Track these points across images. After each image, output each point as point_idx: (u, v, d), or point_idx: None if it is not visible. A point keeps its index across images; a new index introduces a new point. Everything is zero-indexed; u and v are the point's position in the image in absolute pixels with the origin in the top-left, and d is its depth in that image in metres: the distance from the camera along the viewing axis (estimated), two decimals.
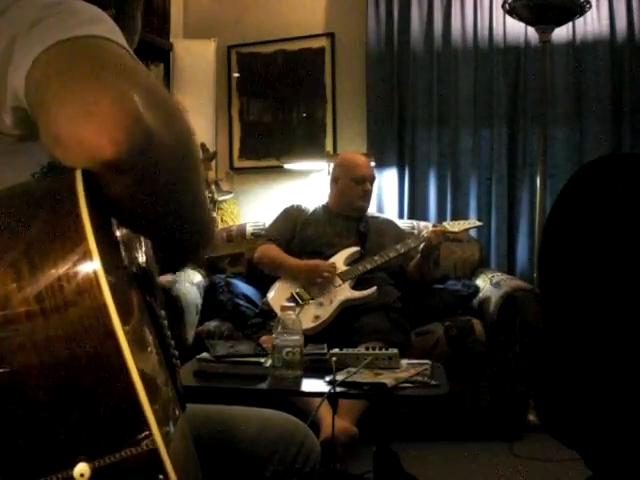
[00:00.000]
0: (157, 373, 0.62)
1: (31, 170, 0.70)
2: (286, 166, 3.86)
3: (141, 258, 0.75)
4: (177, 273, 2.70)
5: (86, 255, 0.53)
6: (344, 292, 2.77)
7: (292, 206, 3.18)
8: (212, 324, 2.88)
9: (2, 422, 0.53)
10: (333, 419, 1.94)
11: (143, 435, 0.53)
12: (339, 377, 1.76)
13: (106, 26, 0.68)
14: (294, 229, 3.05)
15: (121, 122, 0.57)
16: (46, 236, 0.54)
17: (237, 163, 4.06)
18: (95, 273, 0.53)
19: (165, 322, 0.76)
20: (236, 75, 4.05)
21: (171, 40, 3.83)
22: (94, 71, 0.61)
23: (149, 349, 0.62)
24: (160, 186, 0.61)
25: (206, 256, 0.85)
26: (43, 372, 0.52)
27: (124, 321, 0.53)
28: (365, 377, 1.78)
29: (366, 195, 3.04)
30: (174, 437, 0.60)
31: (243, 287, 3.11)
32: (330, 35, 3.87)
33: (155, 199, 0.62)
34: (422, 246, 2.88)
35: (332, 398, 1.86)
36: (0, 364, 0.52)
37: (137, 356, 0.54)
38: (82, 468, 0.52)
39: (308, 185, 3.77)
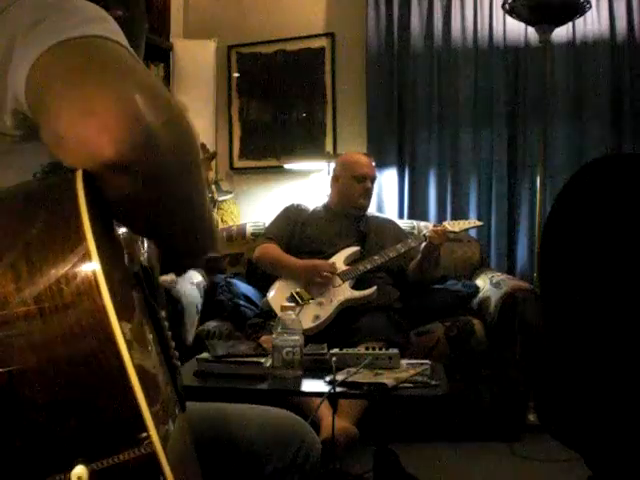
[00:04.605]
0: (157, 371, 0.62)
1: (33, 170, 0.70)
2: (286, 166, 3.86)
3: (143, 257, 0.75)
4: (180, 275, 2.67)
5: (85, 257, 0.53)
6: (344, 292, 2.76)
7: (292, 205, 3.18)
8: (212, 324, 2.88)
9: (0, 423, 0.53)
10: (333, 419, 1.94)
11: (141, 437, 0.53)
12: (339, 377, 1.76)
13: (107, 25, 0.68)
14: (294, 228, 3.04)
15: (122, 121, 0.57)
16: (46, 237, 0.54)
17: (237, 163, 4.06)
18: (94, 274, 0.53)
19: (165, 322, 0.76)
20: (236, 75, 4.05)
21: (171, 40, 3.83)
22: (95, 71, 0.61)
23: (149, 347, 0.62)
24: (161, 186, 0.61)
25: (209, 257, 0.83)
26: (41, 373, 0.52)
27: (124, 321, 0.53)
28: (365, 377, 1.78)
29: (367, 193, 3.04)
30: (173, 435, 0.60)
31: (243, 287, 3.10)
32: (330, 35, 3.87)
33: (156, 199, 0.62)
34: (423, 245, 2.88)
35: (332, 398, 1.86)
36: None
37: (137, 355, 0.54)
38: (80, 471, 0.52)
39: (308, 185, 3.77)
